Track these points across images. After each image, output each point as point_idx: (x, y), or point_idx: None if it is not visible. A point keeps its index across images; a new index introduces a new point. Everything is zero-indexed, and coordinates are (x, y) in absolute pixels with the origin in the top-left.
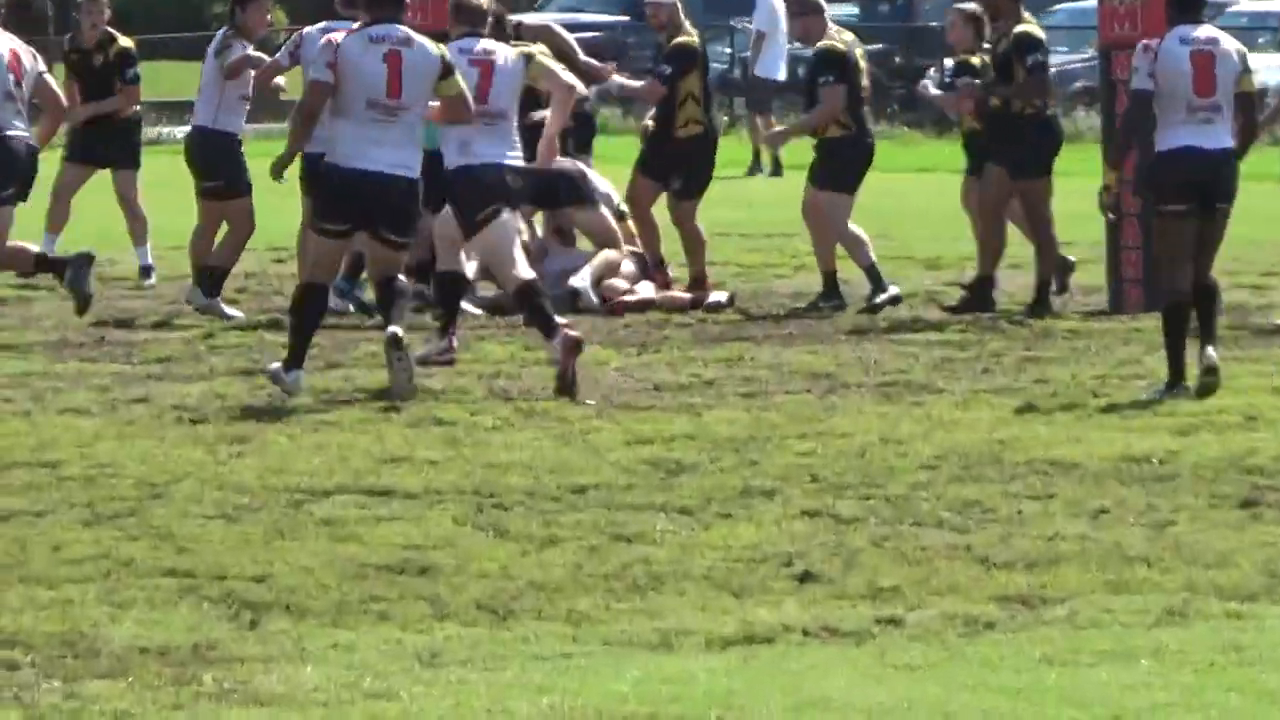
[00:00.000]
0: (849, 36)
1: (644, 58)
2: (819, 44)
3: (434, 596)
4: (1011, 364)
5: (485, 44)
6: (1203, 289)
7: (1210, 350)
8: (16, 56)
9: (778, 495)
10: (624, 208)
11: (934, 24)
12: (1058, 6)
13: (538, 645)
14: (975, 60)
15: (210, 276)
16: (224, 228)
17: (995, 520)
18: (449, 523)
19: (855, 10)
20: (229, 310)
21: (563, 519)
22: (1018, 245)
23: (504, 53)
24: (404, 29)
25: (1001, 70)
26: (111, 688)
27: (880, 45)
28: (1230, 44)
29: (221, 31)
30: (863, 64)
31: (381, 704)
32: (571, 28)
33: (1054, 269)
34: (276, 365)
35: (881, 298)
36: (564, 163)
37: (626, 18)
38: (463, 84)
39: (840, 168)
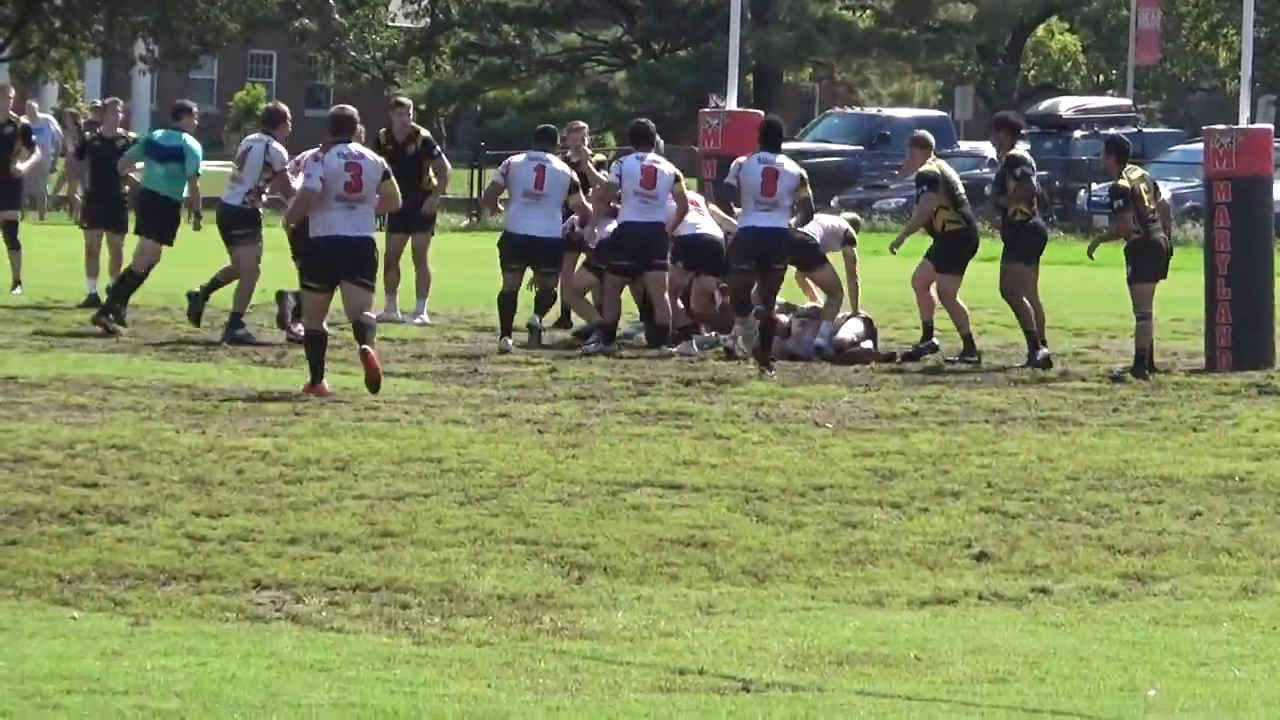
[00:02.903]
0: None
1: (872, 178)
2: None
3: (711, 563)
4: (1134, 406)
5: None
6: (763, 318)
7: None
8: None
9: (962, 496)
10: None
11: (1084, 157)
12: (1174, 148)
13: (786, 601)
14: (1124, 184)
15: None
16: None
17: (1119, 519)
18: (724, 510)
19: (1026, 146)
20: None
21: (806, 509)
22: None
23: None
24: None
25: (999, 183)
26: (476, 624)
27: (1045, 172)
28: (792, 166)
29: None
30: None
31: (670, 640)
32: (821, 154)
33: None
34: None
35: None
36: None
37: (861, 147)
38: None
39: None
